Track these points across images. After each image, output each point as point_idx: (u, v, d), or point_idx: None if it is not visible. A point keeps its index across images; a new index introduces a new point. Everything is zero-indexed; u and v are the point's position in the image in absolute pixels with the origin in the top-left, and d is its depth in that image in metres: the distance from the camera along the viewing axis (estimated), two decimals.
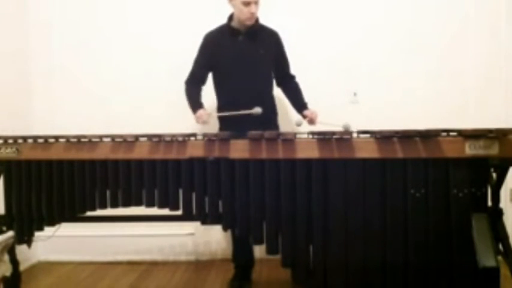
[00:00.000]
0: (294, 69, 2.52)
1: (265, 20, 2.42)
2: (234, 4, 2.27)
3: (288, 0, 2.86)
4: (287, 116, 2.68)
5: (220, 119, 2.41)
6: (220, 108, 2.41)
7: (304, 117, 2.37)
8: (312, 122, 2.36)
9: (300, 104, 2.44)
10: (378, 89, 2.85)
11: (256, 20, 2.35)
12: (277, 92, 2.52)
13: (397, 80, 2.85)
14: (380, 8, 2.88)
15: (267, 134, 1.75)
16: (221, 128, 2.40)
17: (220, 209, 1.81)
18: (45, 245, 2.77)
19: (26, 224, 1.95)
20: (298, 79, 2.52)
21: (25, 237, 1.97)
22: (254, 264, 2.49)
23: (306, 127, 2.55)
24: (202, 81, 2.43)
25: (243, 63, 2.31)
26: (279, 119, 2.48)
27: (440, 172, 1.67)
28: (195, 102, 2.33)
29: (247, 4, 2.22)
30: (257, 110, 2.18)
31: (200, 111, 2.27)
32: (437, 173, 1.67)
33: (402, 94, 2.83)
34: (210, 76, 2.45)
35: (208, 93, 2.46)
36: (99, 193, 1.88)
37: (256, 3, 2.24)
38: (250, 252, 2.46)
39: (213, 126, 2.52)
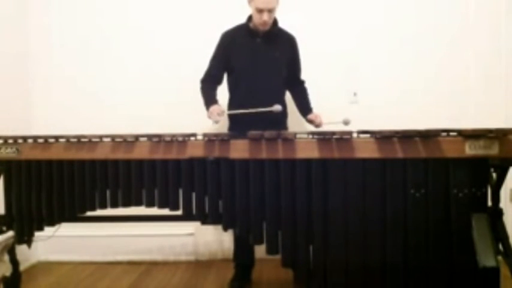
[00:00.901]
0: None
1: None
2: (251, 7, 2.29)
3: (288, 1, 2.86)
4: (297, 117, 2.66)
5: (231, 118, 2.41)
6: (232, 108, 2.40)
7: (309, 121, 2.41)
8: (318, 126, 2.38)
9: (305, 109, 2.46)
10: (378, 89, 2.85)
11: (275, 23, 2.36)
12: (287, 94, 2.52)
13: (397, 80, 2.85)
14: (380, 8, 2.88)
15: (267, 134, 1.75)
16: (231, 128, 2.40)
17: (220, 209, 1.81)
18: (45, 245, 2.77)
19: (26, 224, 1.95)
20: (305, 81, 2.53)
21: (25, 237, 1.97)
22: (254, 264, 2.49)
23: (305, 127, 2.56)
24: (218, 80, 2.41)
25: (259, 65, 2.32)
26: (288, 121, 2.48)
27: (440, 172, 1.67)
28: (209, 99, 2.29)
29: (260, 11, 2.23)
30: (277, 107, 2.13)
31: (214, 107, 2.22)
32: (437, 173, 1.67)
33: (402, 94, 2.83)
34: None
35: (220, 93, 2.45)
36: (99, 193, 1.88)
37: (270, 11, 2.23)
38: (251, 253, 2.46)
39: (220, 126, 2.52)
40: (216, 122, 2.22)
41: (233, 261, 2.48)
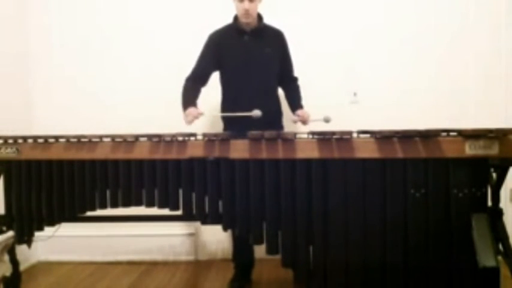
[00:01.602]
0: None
1: (266, 19, 2.42)
2: (233, 0, 2.29)
3: (288, 1, 2.86)
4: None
5: (224, 119, 2.41)
6: (225, 108, 2.40)
7: (297, 116, 2.38)
8: (304, 122, 2.36)
9: (296, 106, 2.43)
10: (378, 89, 2.85)
11: (261, 20, 2.37)
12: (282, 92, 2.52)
13: (397, 80, 2.85)
14: (380, 8, 2.88)
15: (267, 134, 1.75)
16: (225, 128, 2.40)
17: (220, 209, 1.81)
18: (45, 245, 2.77)
19: (26, 224, 1.95)
20: (298, 78, 2.53)
21: (25, 237, 1.97)
22: (254, 265, 2.49)
23: (305, 127, 2.56)
24: (204, 80, 2.39)
25: (248, 62, 2.32)
26: (283, 120, 2.48)
27: (440, 172, 1.67)
28: (188, 100, 2.27)
29: (241, 0, 2.23)
30: (256, 112, 2.12)
31: (190, 109, 2.21)
32: (437, 173, 1.67)
33: (402, 94, 2.83)
34: (212, 77, 2.44)
35: (210, 93, 2.45)
36: (99, 193, 1.88)
37: (251, 0, 2.23)
38: (251, 253, 2.46)
39: (216, 126, 2.52)
40: (189, 123, 2.20)
41: (232, 262, 2.48)
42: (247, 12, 2.25)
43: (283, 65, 2.44)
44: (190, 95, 2.31)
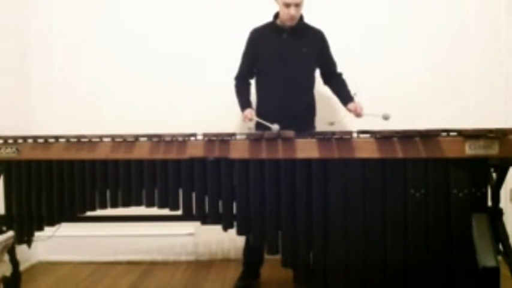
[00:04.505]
0: None
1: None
2: (278, 3, 2.31)
3: None
4: (322, 116, 2.60)
5: (259, 115, 2.42)
6: (259, 104, 2.44)
7: (349, 111, 2.37)
8: (358, 115, 2.33)
9: (345, 98, 2.42)
10: (378, 89, 2.85)
11: (301, 19, 2.38)
12: (318, 92, 2.51)
13: (397, 80, 2.85)
14: (380, 8, 2.88)
15: (267, 134, 1.75)
16: (257, 125, 2.38)
17: (220, 209, 1.81)
18: (45, 245, 2.76)
19: (26, 224, 1.95)
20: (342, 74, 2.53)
21: (25, 237, 1.97)
22: (263, 262, 2.48)
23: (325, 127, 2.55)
24: (250, 75, 2.47)
25: (284, 61, 2.33)
26: (316, 120, 2.46)
27: (440, 172, 1.67)
28: (243, 101, 2.41)
29: (287, 6, 2.25)
30: (275, 127, 1.98)
31: (246, 112, 2.34)
32: (437, 173, 1.67)
33: (402, 94, 2.83)
34: None
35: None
36: (99, 193, 1.88)
37: (297, 5, 2.25)
38: (261, 251, 2.43)
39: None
40: (249, 128, 2.36)
41: (243, 257, 2.47)
42: (292, 17, 2.28)
43: (324, 63, 2.46)
44: (242, 95, 2.43)
